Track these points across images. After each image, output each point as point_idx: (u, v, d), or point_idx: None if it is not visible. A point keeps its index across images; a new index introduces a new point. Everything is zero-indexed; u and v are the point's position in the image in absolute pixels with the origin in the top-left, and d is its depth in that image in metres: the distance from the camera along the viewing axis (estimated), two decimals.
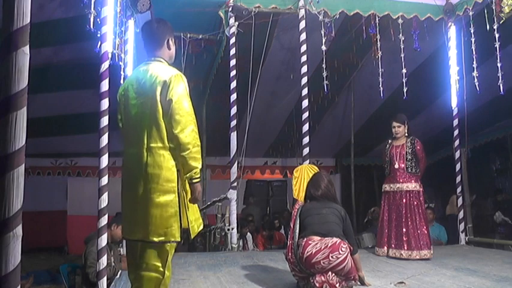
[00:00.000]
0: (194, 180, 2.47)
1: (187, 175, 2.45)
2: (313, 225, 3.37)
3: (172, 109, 2.43)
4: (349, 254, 3.22)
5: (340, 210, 3.47)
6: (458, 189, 6.14)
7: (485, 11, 5.28)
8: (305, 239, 3.30)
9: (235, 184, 5.67)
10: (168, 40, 2.72)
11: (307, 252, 3.21)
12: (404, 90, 5.95)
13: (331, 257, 3.17)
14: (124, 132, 2.71)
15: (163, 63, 2.66)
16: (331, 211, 3.44)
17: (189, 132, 2.43)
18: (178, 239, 2.48)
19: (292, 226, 3.52)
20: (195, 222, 2.61)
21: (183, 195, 2.51)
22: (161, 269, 2.49)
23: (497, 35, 5.21)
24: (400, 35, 5.85)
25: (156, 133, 2.48)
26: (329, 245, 3.20)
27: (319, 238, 3.27)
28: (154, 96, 2.48)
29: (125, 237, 2.69)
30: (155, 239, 2.44)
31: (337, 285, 3.20)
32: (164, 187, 2.45)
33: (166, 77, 2.49)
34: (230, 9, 5.70)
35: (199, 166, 2.47)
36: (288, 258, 3.44)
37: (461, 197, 6.15)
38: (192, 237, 2.62)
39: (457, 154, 6.21)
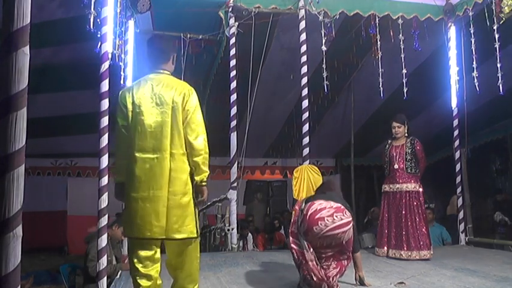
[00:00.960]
0: (204, 183, 2.81)
1: (198, 178, 2.79)
2: (317, 196, 3.43)
3: (188, 119, 2.76)
4: (352, 224, 3.20)
5: (349, 207, 3.41)
6: (458, 190, 6.14)
7: (485, 11, 5.28)
8: (310, 202, 3.31)
9: (235, 184, 5.67)
10: (173, 56, 3.02)
11: (312, 209, 3.18)
12: (404, 90, 5.95)
13: (335, 216, 3.14)
14: (133, 139, 2.84)
15: (172, 77, 2.96)
16: (340, 200, 3.41)
17: (201, 140, 2.78)
18: (195, 235, 2.80)
19: (297, 207, 3.45)
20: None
21: (194, 197, 2.84)
22: (199, 257, 2.91)
23: (497, 35, 5.21)
24: (400, 35, 5.85)
25: (177, 140, 2.77)
26: (334, 206, 3.20)
27: (323, 200, 3.27)
28: (176, 106, 2.78)
29: (140, 237, 2.80)
30: (177, 236, 2.75)
31: (332, 279, 3.17)
32: (185, 190, 2.77)
33: (185, 90, 2.83)
34: (230, 9, 5.70)
35: (208, 171, 2.83)
36: (291, 230, 3.35)
37: (461, 198, 6.15)
38: (200, 232, 2.94)
39: (457, 154, 6.20)
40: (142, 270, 2.81)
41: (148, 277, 2.81)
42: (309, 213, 3.18)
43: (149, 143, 2.79)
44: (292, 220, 3.42)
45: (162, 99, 2.81)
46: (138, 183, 2.78)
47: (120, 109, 2.92)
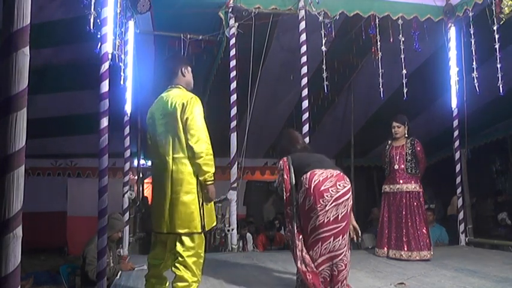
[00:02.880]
0: (208, 182, 3.06)
1: (202, 178, 3.04)
2: (312, 164, 3.27)
3: (188, 125, 3.01)
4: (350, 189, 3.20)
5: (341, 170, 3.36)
6: (458, 190, 6.14)
7: (486, 12, 5.28)
8: (308, 173, 3.18)
9: (235, 185, 5.67)
10: (181, 69, 3.30)
11: (315, 181, 3.11)
12: (404, 91, 5.96)
13: (338, 185, 3.11)
14: (152, 147, 3.29)
15: (181, 89, 3.23)
16: (332, 164, 3.36)
17: (202, 143, 3.02)
18: (199, 230, 3.04)
19: (286, 177, 3.31)
20: (213, 218, 3.24)
21: (201, 196, 3.08)
22: (202, 253, 3.09)
23: (497, 36, 5.22)
24: (400, 35, 5.85)
25: (178, 146, 3.07)
26: (334, 174, 3.16)
27: (323, 169, 3.19)
28: (175, 116, 3.05)
29: (155, 231, 3.24)
30: (181, 231, 3.03)
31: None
32: (187, 189, 3.04)
33: (185, 100, 3.07)
34: (230, 10, 5.70)
35: (212, 170, 3.07)
36: (287, 212, 3.29)
37: (461, 198, 6.15)
38: (207, 229, 3.12)
39: (457, 155, 6.21)
40: (152, 262, 3.23)
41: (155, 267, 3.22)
42: (312, 186, 3.10)
43: (159, 150, 3.16)
44: (285, 199, 3.30)
45: (166, 110, 3.13)
46: (155, 185, 3.31)
47: (147, 122, 3.39)
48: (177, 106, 3.06)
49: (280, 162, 3.42)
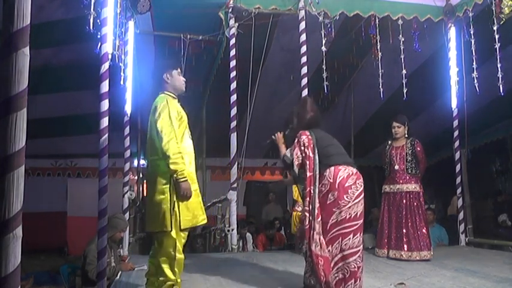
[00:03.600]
0: (180, 180, 3.04)
1: (173, 176, 3.05)
2: (335, 155, 3.29)
3: (157, 127, 3.10)
4: None
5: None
6: (458, 190, 6.14)
7: (486, 12, 5.28)
8: (332, 167, 3.20)
9: (235, 185, 5.67)
10: (165, 76, 3.36)
11: (340, 177, 3.16)
12: (404, 91, 5.95)
13: (358, 183, 3.19)
14: None
15: (164, 94, 3.30)
16: (350, 158, 3.39)
17: (169, 143, 3.05)
18: (169, 229, 3.07)
19: (311, 154, 3.26)
20: (192, 217, 3.17)
21: (175, 195, 3.09)
22: (172, 252, 3.08)
23: (497, 36, 5.21)
24: (400, 36, 5.85)
25: (151, 148, 3.21)
26: (354, 172, 3.22)
27: (345, 165, 3.23)
28: (150, 120, 3.20)
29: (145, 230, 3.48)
30: (153, 230, 3.17)
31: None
32: (159, 188, 3.12)
33: (156, 104, 3.21)
34: (230, 10, 5.70)
35: (181, 168, 3.04)
36: (308, 191, 3.21)
37: (461, 198, 6.15)
38: (183, 227, 3.10)
39: (457, 155, 6.21)
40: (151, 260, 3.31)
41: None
42: (337, 182, 3.15)
43: (146, 153, 3.39)
44: (308, 177, 3.24)
45: (150, 116, 3.26)
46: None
47: None
48: (151, 111, 3.20)
49: (303, 136, 3.34)
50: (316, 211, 3.16)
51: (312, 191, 3.22)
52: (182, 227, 3.10)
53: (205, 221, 3.35)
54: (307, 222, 3.19)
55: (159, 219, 3.08)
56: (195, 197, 3.20)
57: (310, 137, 3.32)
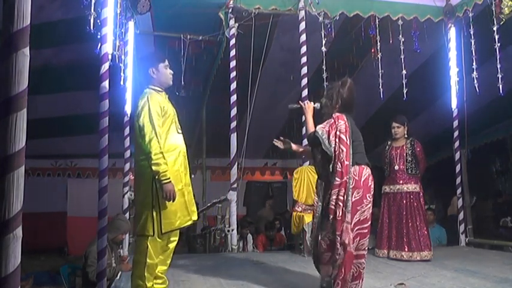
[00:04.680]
0: (162, 181, 2.92)
1: (156, 178, 2.93)
2: (359, 154, 3.17)
3: (139, 127, 3.01)
4: None
5: None
6: (458, 191, 6.14)
7: (486, 12, 5.28)
8: (356, 166, 3.10)
9: (235, 185, 5.67)
10: (151, 70, 3.21)
11: (364, 175, 3.10)
12: (404, 91, 5.96)
13: (373, 185, 3.15)
14: None
15: (148, 90, 3.17)
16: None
17: (150, 143, 2.94)
18: (151, 234, 2.98)
19: (347, 140, 3.09)
20: (175, 219, 3.05)
21: (157, 197, 2.98)
22: (143, 258, 3.00)
23: (497, 36, 5.21)
24: (400, 36, 5.85)
25: (137, 149, 3.12)
26: (369, 171, 3.16)
27: (365, 165, 3.16)
28: (135, 120, 3.11)
29: None
30: (138, 233, 3.08)
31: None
32: (143, 190, 3.04)
33: (139, 102, 3.10)
34: (230, 10, 5.71)
35: (162, 169, 2.92)
36: (344, 181, 3.04)
37: (461, 199, 6.15)
38: (164, 231, 3.01)
39: (457, 155, 6.21)
40: None
41: None
42: (362, 180, 3.08)
43: None
44: (344, 166, 3.04)
45: None
46: None
47: None
48: (136, 110, 3.12)
49: (341, 121, 3.12)
50: (353, 201, 3.03)
51: (347, 181, 3.04)
52: (163, 231, 3.01)
53: (191, 222, 3.22)
54: (340, 214, 3.02)
55: (141, 222, 3.03)
56: (180, 197, 3.06)
57: (347, 121, 3.14)
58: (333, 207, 3.06)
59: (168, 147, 3.08)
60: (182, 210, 3.10)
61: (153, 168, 2.92)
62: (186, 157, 3.27)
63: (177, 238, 3.24)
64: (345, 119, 3.13)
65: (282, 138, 3.61)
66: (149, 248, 2.99)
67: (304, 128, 5.54)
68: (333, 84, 3.43)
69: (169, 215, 3.02)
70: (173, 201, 2.96)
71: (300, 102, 3.51)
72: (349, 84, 3.29)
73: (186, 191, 3.16)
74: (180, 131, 3.25)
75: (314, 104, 3.45)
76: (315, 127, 3.22)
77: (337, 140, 3.08)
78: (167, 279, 3.32)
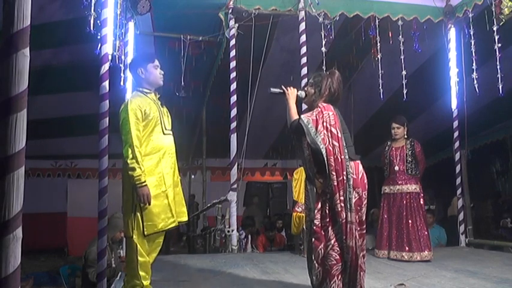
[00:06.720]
0: (137, 185, 2.95)
1: (131, 182, 2.97)
2: (350, 148, 2.94)
3: (120, 132, 3.05)
4: None
5: None
6: (458, 191, 6.14)
7: (485, 13, 5.28)
8: (352, 162, 2.88)
9: (235, 186, 5.66)
10: (139, 71, 3.20)
11: (361, 172, 2.92)
12: (404, 92, 5.96)
13: (365, 181, 2.97)
14: None
15: (131, 95, 3.25)
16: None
17: (126, 148, 2.98)
18: (129, 234, 3.04)
19: (339, 134, 2.86)
20: (158, 221, 3.05)
21: (136, 199, 3.01)
22: (135, 256, 3.02)
23: (497, 37, 5.22)
24: (400, 36, 5.85)
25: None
26: (362, 169, 2.97)
27: (358, 161, 2.96)
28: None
29: None
30: (125, 234, 3.20)
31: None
32: (126, 192, 3.09)
33: (122, 106, 3.13)
34: (230, 11, 5.71)
35: (136, 174, 2.94)
36: (342, 179, 2.80)
37: (461, 199, 6.15)
38: (147, 233, 3.02)
39: (457, 156, 6.20)
40: None
41: None
42: (359, 177, 2.89)
43: None
44: (333, 163, 2.79)
45: None
46: None
47: None
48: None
49: (329, 112, 2.89)
50: (353, 202, 2.81)
51: (345, 178, 2.79)
52: (146, 233, 3.01)
53: (175, 224, 3.16)
54: (343, 216, 2.78)
55: (126, 224, 3.10)
56: (163, 199, 3.07)
57: (335, 113, 2.91)
58: (338, 210, 2.81)
59: (151, 149, 3.08)
60: (166, 212, 3.09)
61: (130, 172, 2.96)
62: (174, 156, 3.23)
63: (163, 237, 3.26)
64: (333, 110, 2.92)
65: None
66: (138, 246, 3.03)
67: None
68: (319, 73, 3.27)
69: (152, 217, 3.03)
70: (149, 204, 2.97)
71: (282, 86, 3.31)
72: (338, 75, 3.11)
73: (171, 193, 3.13)
74: (167, 132, 3.20)
75: (298, 91, 3.24)
76: (299, 116, 2.96)
77: (329, 134, 2.84)
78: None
